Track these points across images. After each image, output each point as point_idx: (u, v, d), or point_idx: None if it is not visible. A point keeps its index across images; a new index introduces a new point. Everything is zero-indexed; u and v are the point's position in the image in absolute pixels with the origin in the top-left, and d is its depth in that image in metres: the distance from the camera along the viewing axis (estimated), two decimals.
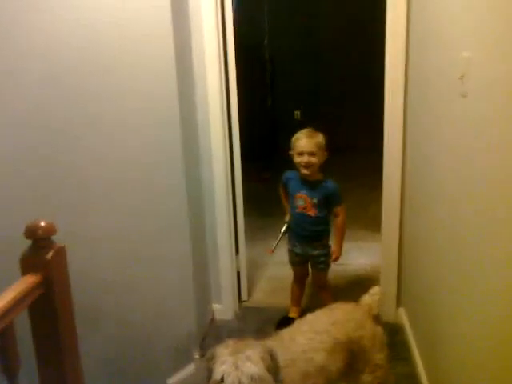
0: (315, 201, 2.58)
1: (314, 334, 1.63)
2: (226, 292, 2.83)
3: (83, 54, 2.04)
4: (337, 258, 2.67)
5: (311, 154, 2.51)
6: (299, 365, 1.54)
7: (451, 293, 1.75)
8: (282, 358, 1.48)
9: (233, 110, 2.70)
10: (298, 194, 2.62)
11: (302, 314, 2.76)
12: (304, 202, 2.60)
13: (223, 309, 2.85)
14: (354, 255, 3.44)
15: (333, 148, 2.61)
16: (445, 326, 1.85)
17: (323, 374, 1.58)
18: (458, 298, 1.67)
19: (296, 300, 2.83)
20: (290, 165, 2.65)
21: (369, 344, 1.76)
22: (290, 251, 2.78)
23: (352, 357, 1.71)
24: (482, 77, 1.39)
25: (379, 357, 1.79)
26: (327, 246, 2.69)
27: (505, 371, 1.27)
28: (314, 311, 1.87)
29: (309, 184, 2.60)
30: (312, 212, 2.60)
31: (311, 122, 2.88)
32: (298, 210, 2.63)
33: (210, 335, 2.70)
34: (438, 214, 1.93)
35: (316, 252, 2.67)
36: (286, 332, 1.71)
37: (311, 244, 2.67)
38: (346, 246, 2.71)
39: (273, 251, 2.80)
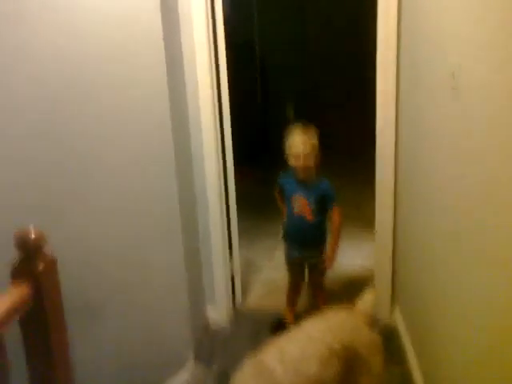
0: (311, 200, 2.57)
1: (309, 343, 1.61)
2: (220, 296, 2.80)
3: (74, 46, 1.97)
4: (330, 265, 2.61)
5: (308, 157, 2.51)
6: (289, 376, 1.51)
7: (446, 292, 1.74)
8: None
9: (224, 110, 2.65)
10: (294, 196, 2.61)
11: (297, 316, 2.76)
12: (300, 202, 2.59)
13: (217, 313, 2.81)
14: (348, 254, 3.42)
15: (324, 145, 2.58)
16: (439, 325, 1.84)
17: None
18: (452, 298, 1.66)
19: (291, 305, 2.83)
20: (282, 162, 2.62)
21: (365, 351, 1.73)
22: (288, 254, 2.77)
23: (348, 365, 1.68)
24: (473, 75, 1.38)
25: (375, 364, 1.77)
26: (325, 252, 2.67)
27: (502, 371, 1.26)
28: (308, 317, 1.85)
29: (304, 184, 2.59)
30: (309, 216, 2.58)
31: (303, 118, 2.83)
32: (295, 211, 2.62)
33: (205, 340, 2.67)
34: (432, 213, 1.92)
35: (314, 259, 2.66)
36: (279, 340, 1.68)
37: (309, 250, 2.67)
38: (340, 245, 2.68)
39: None
